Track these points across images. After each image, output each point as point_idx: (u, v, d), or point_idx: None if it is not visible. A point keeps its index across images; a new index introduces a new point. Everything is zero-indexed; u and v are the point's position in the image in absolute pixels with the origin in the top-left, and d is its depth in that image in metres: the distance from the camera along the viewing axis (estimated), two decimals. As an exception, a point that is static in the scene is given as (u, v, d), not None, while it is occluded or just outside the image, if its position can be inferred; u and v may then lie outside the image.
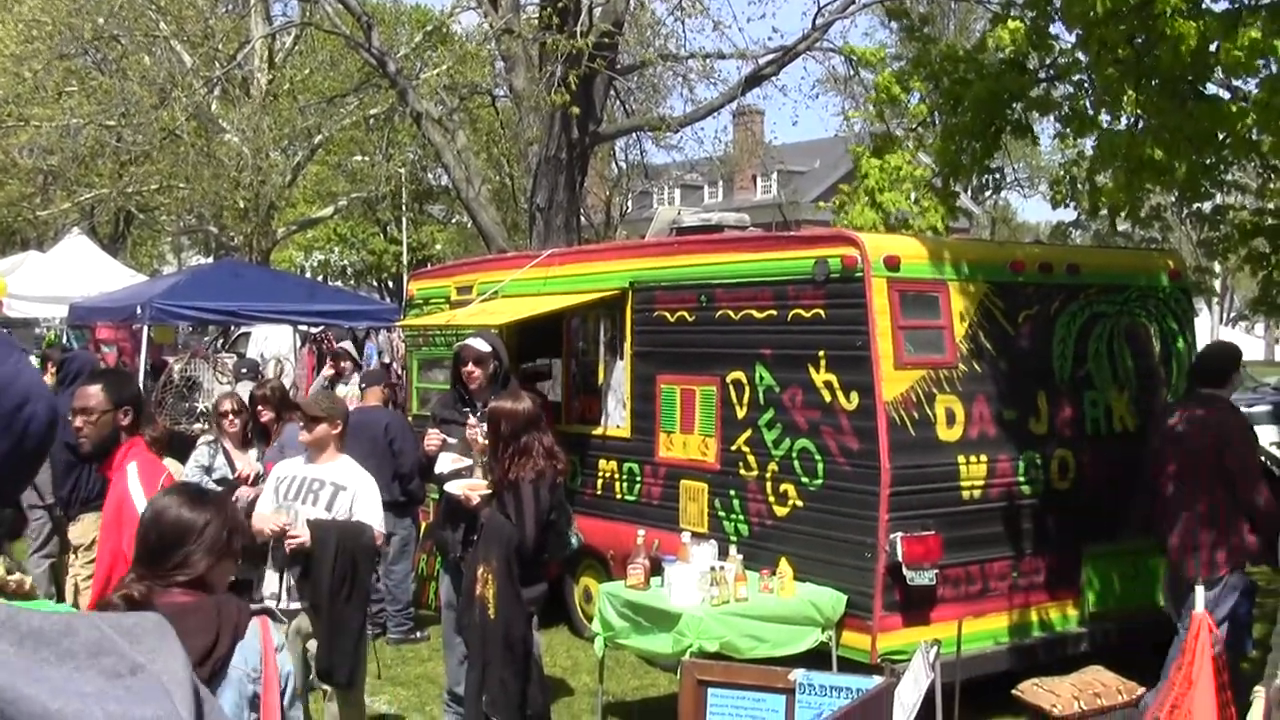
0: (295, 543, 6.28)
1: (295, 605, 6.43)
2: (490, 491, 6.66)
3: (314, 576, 6.30)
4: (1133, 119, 8.05)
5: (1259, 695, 4.44)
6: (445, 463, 7.41)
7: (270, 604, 6.54)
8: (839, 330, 7.84)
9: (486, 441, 6.82)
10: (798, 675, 4.38)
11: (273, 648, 3.44)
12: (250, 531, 6.18)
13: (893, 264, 7.75)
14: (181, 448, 9.09)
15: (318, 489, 6.48)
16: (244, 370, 13.91)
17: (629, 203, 38.13)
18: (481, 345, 7.66)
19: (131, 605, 3.30)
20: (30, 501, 10.06)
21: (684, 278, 9.00)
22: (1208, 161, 8.14)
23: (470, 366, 7.58)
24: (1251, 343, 55.85)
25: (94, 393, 5.32)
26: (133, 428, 5.32)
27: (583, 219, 22.38)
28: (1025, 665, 7.81)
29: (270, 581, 6.59)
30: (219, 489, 8.07)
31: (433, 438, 7.52)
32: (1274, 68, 6.99)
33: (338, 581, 6.26)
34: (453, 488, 7.10)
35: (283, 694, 3.44)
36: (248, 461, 7.88)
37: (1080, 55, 8.31)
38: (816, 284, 7.97)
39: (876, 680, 4.34)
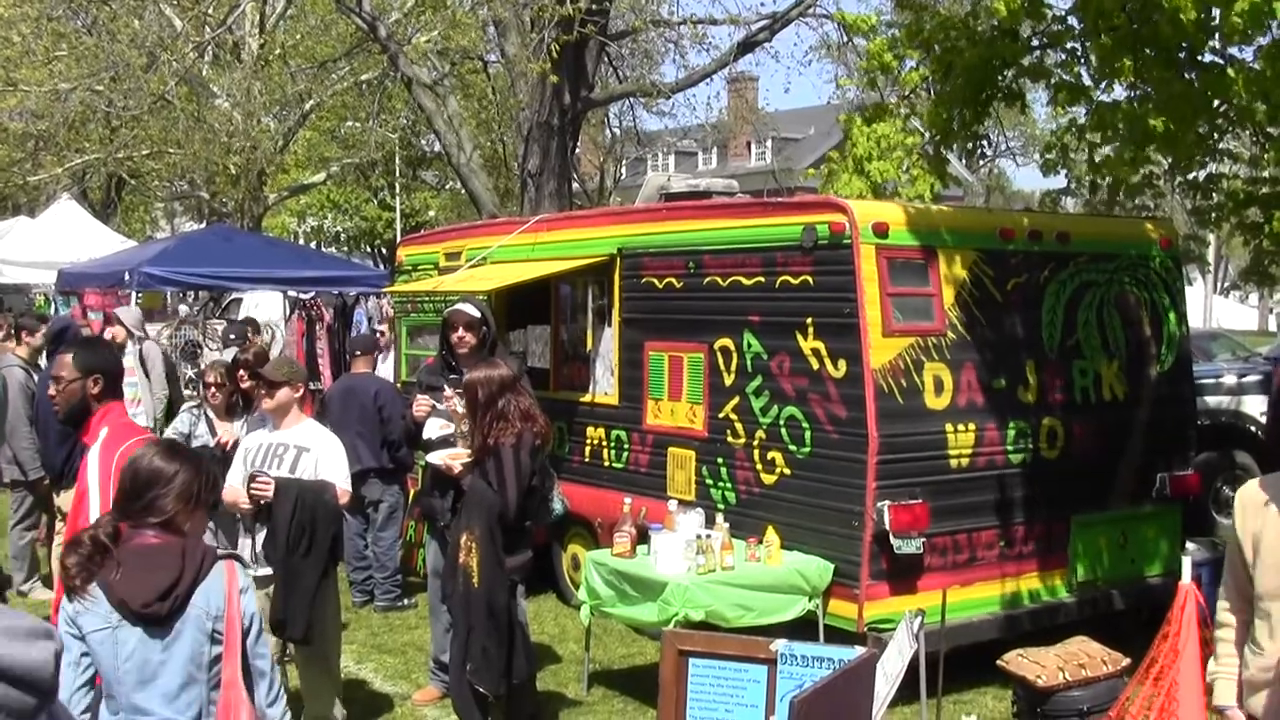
0: (259, 486, 6.30)
1: (265, 571, 6.42)
2: (472, 459, 6.63)
3: (271, 529, 6.35)
4: (1127, 87, 7.98)
5: (1220, 676, 4.30)
6: (433, 428, 7.40)
7: None
8: (827, 297, 7.80)
9: (465, 411, 6.79)
10: (779, 645, 4.35)
11: (237, 589, 3.79)
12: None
13: (881, 231, 7.70)
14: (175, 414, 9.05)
15: (282, 453, 6.53)
16: (233, 336, 13.83)
17: (623, 169, 37.95)
18: (471, 310, 7.62)
19: (98, 546, 3.70)
20: (13, 477, 10.04)
21: (672, 244, 8.95)
22: (1201, 130, 8.08)
23: (461, 331, 7.54)
24: (1244, 312, 55.85)
25: (65, 361, 5.52)
26: (103, 395, 5.36)
27: (576, 185, 22.22)
28: (1012, 635, 7.81)
29: (242, 547, 6.62)
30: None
31: (421, 403, 7.50)
32: (1276, 30, 6.93)
33: (295, 535, 6.27)
34: (434, 458, 7.07)
35: (246, 633, 3.79)
36: (229, 430, 7.84)
37: (1074, 22, 8.24)
38: (804, 251, 7.92)
39: (859, 651, 4.31)
